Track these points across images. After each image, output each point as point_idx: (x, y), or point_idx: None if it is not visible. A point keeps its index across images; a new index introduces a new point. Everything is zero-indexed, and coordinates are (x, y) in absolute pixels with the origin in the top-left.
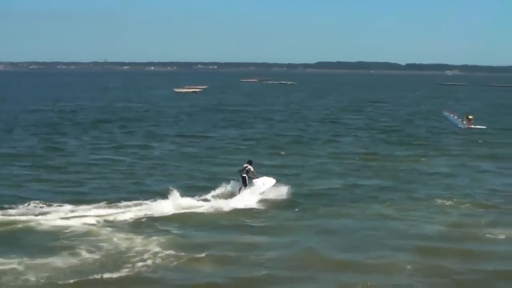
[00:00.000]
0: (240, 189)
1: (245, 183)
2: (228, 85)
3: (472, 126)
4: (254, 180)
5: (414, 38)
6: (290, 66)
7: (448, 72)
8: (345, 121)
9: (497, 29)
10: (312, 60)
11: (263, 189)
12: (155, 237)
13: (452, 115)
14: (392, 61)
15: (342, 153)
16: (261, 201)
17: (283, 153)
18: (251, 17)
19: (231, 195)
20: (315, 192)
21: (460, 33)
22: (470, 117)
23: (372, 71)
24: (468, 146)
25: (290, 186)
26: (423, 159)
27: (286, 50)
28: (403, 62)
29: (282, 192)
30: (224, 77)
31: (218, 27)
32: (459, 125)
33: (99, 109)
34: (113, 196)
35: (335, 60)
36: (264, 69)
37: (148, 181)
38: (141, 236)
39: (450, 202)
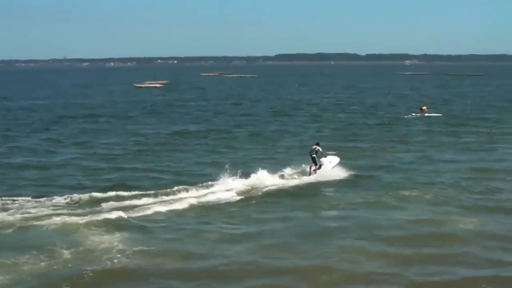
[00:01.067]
0: (311, 167)
1: (314, 162)
2: (188, 80)
3: (427, 115)
4: (322, 159)
5: (374, 28)
6: (250, 59)
7: (407, 62)
8: (304, 112)
9: (456, 18)
10: (271, 53)
11: (330, 166)
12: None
13: (406, 116)
14: (352, 51)
15: (303, 146)
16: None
17: (248, 146)
18: (210, 11)
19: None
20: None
21: (420, 23)
22: (423, 108)
23: (332, 62)
24: (426, 135)
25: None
26: (383, 151)
27: (246, 43)
28: (362, 52)
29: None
30: (184, 72)
31: (176, 22)
32: (413, 114)
33: (57, 107)
34: (77, 193)
35: (294, 52)
36: (224, 62)
37: (111, 175)
38: (118, 233)
39: (412, 194)
